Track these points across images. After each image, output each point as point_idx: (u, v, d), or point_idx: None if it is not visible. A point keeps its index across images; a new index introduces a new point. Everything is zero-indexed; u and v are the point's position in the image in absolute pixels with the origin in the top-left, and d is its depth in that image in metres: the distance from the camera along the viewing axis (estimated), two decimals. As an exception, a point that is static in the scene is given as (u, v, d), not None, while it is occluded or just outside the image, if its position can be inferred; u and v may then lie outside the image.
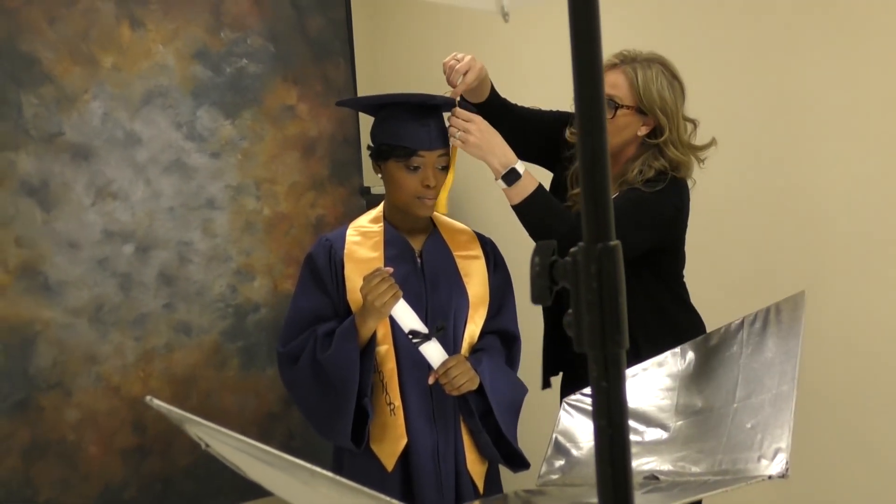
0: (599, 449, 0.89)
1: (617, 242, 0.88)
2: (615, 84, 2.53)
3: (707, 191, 2.71)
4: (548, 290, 0.93)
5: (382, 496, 1.16)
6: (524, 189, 2.44)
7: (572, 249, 0.89)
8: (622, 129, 2.54)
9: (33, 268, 3.31)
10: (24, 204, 3.29)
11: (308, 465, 1.15)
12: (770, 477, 1.84)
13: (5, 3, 3.23)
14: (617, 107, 2.51)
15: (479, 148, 2.43)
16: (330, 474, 1.16)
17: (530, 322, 2.76)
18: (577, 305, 0.89)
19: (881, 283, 2.80)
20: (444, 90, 2.53)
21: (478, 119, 2.45)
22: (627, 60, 2.54)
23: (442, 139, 2.42)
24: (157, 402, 1.26)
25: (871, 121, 2.79)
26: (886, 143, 2.76)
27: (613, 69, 2.54)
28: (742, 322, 2.15)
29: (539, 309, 2.89)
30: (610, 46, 2.64)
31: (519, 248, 2.80)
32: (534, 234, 2.49)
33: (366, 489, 1.15)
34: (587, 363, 0.89)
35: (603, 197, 0.88)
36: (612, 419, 0.88)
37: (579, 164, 0.89)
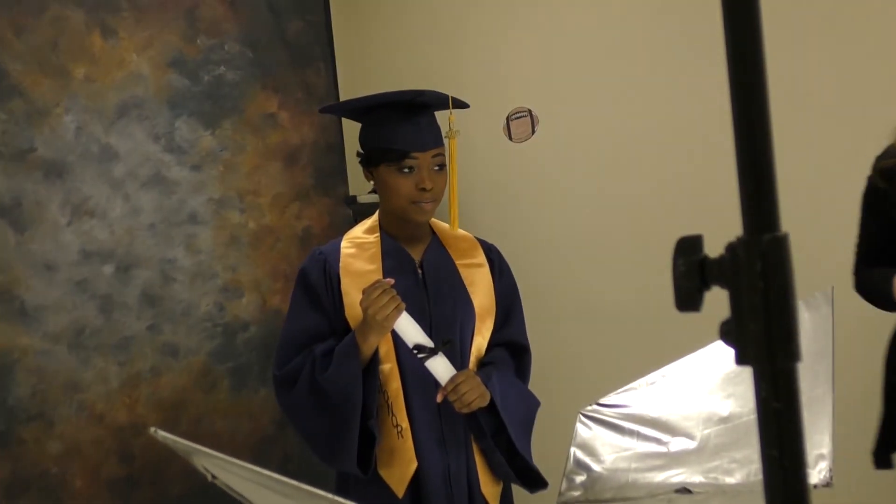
0: (770, 486, 0.74)
1: (786, 233, 0.73)
2: None
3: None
4: (697, 292, 0.78)
5: None
6: None
7: (730, 242, 0.75)
8: None
9: (8, 292, 3.16)
10: (-4, 225, 3.13)
11: (330, 496, 1.11)
12: (815, 486, 1.79)
13: (-31, 15, 3.07)
14: None
15: None
16: None
17: (541, 333, 2.62)
18: (737, 311, 0.75)
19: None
20: (434, 88, 2.39)
21: None
22: None
23: (435, 138, 2.29)
24: (162, 434, 1.23)
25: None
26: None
27: None
28: (766, 323, 2.05)
29: (551, 315, 2.76)
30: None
31: (522, 255, 2.68)
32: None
33: None
34: None
35: (765, 174, 0.73)
36: (786, 448, 0.73)
37: (734, 132, 0.74)
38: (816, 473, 1.82)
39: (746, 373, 2.12)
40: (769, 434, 0.74)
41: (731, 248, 0.75)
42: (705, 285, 0.78)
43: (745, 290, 0.74)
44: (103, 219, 3.36)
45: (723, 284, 0.76)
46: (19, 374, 3.17)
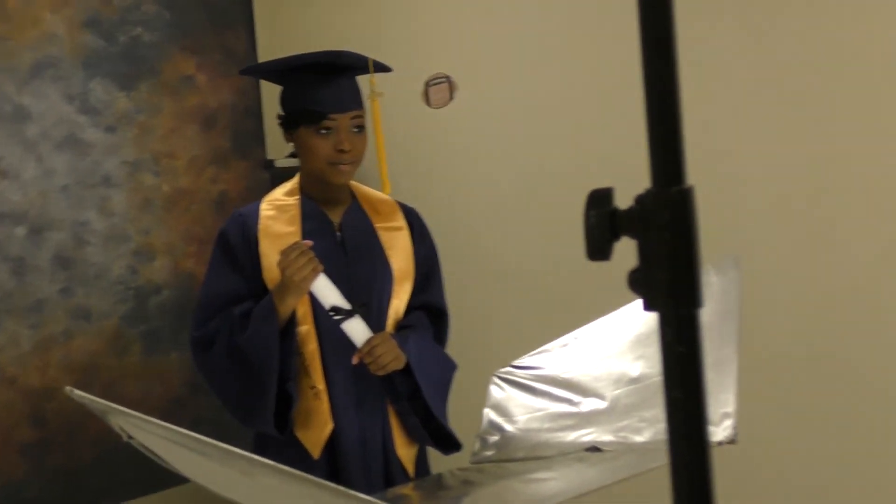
0: (673, 425, 0.77)
1: (692, 185, 0.76)
2: None
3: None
4: (607, 242, 0.80)
5: (328, 483, 1.09)
6: None
7: (639, 194, 0.77)
8: None
9: (-84, 254, 3.09)
10: None
11: (247, 454, 1.10)
12: (720, 443, 1.81)
13: None
14: None
15: None
16: (271, 463, 1.09)
17: (458, 297, 2.65)
18: (645, 260, 0.78)
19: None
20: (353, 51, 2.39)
21: None
22: None
23: (354, 100, 2.29)
24: (77, 393, 1.21)
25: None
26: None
27: None
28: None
29: (468, 279, 2.77)
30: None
31: (440, 219, 2.70)
32: None
33: (309, 476, 1.08)
34: None
35: (673, 128, 0.75)
36: (690, 390, 0.76)
37: (644, 89, 0.76)
38: (721, 431, 1.85)
39: (655, 335, 2.18)
40: (673, 377, 0.77)
41: (641, 199, 0.77)
42: (615, 236, 0.80)
43: (652, 239, 0.76)
44: (16, 180, 3.30)
45: (632, 235, 0.79)
46: (-72, 337, 3.11)
